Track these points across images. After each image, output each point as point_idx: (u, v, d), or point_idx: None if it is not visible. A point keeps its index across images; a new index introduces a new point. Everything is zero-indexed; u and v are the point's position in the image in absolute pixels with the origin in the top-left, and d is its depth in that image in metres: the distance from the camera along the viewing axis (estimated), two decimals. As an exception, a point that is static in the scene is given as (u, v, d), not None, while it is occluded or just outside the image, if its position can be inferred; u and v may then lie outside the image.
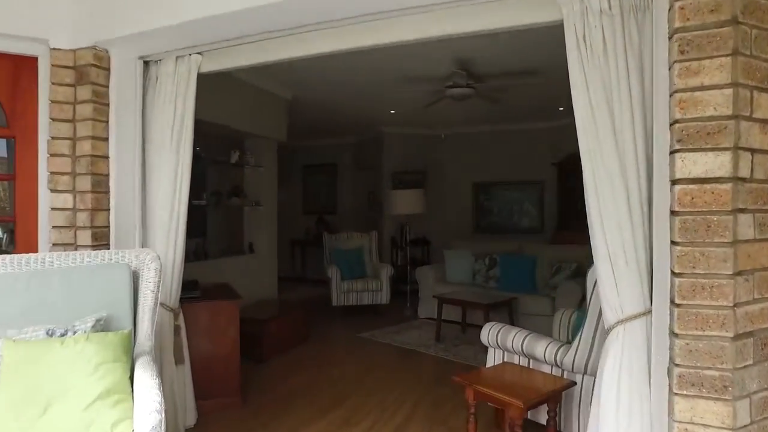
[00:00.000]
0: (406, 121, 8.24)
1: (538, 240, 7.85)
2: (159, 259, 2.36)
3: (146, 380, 1.85)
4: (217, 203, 5.83)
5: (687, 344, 1.66)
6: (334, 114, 7.60)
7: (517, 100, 6.68)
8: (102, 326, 2.03)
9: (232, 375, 3.59)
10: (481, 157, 8.91)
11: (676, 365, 1.67)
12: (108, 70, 2.73)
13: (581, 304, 5.34)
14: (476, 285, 6.48)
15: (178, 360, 2.93)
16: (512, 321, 5.55)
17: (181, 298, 3.08)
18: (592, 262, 2.62)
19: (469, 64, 5.12)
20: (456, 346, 5.30)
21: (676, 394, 1.66)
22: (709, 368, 1.63)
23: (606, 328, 2.13)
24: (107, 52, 2.73)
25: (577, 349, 2.66)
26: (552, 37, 4.52)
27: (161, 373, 2.79)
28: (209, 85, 4.87)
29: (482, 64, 5.14)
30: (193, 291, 3.47)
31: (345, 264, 6.88)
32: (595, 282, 2.62)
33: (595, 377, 2.68)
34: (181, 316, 3.02)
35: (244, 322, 4.22)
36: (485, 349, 5.12)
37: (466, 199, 9.15)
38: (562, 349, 2.75)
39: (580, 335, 2.67)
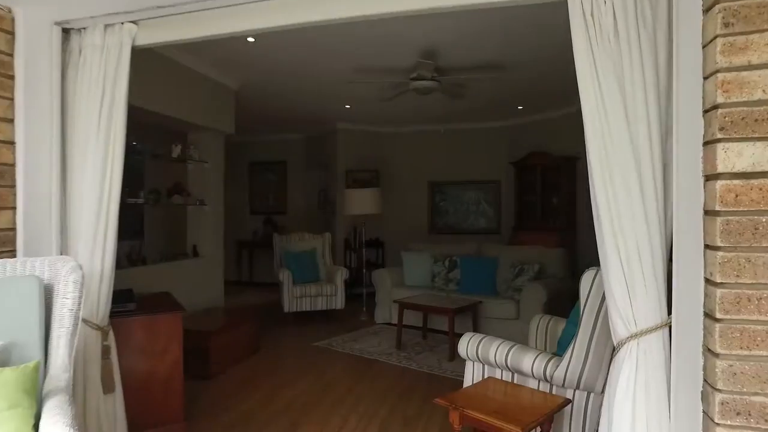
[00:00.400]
0: (360, 117, 7.90)
1: (496, 240, 7.73)
2: (81, 268, 1.90)
3: (56, 430, 1.41)
4: (156, 202, 5.25)
5: (730, 366, 1.41)
6: (284, 108, 7.13)
7: (476, 98, 6.49)
8: (-2, 359, 1.56)
9: (174, 398, 3.11)
10: (437, 156, 8.72)
11: (717, 390, 1.42)
12: (12, 34, 2.21)
13: (547, 307, 5.19)
14: (436, 288, 6.23)
15: (108, 387, 2.44)
16: (476, 326, 5.34)
17: (111, 313, 2.59)
18: (585, 265, 2.38)
19: (432, 57, 4.84)
20: (418, 354, 5.01)
21: (719, 424, 1.42)
22: (756, 394, 1.39)
23: (616, 342, 1.88)
24: (10, 11, 2.20)
25: (569, 363, 2.42)
26: (521, 31, 4.38)
27: (85, 407, 2.31)
28: (148, 69, 4.34)
29: (446, 57, 4.88)
30: (126, 303, 2.97)
31: (297, 267, 6.45)
32: (590, 289, 2.39)
33: (588, 393, 2.45)
34: (111, 335, 2.53)
35: (188, 335, 3.73)
36: (449, 356, 4.91)
37: (421, 199, 8.93)
38: (551, 362, 2.50)
39: (573, 347, 2.42)
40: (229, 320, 4.94)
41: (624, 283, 1.82)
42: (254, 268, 9.37)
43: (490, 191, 8.55)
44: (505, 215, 8.36)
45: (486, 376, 2.84)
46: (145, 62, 4.25)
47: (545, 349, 3.33)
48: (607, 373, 2.41)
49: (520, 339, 5.22)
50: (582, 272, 2.48)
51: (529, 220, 7.67)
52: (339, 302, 6.44)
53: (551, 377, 2.49)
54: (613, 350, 2.40)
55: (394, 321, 6.16)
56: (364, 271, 7.30)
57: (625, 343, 1.83)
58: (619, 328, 1.85)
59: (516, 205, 7.91)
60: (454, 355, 4.82)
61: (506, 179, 8.23)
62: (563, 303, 5.70)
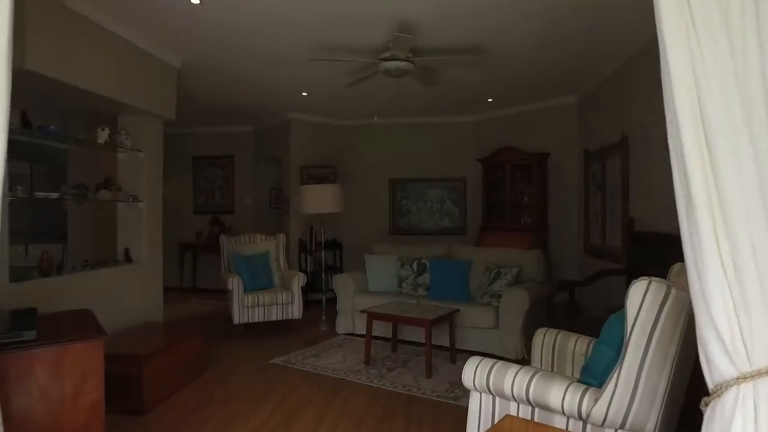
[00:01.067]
0: (317, 107, 7.24)
1: (461, 241, 7.27)
2: None
3: None
4: (82, 198, 4.37)
5: None
6: (232, 93, 6.34)
7: (446, 88, 6.00)
8: None
9: (93, 451, 2.38)
10: (399, 151, 8.21)
11: None
12: None
13: (528, 315, 4.75)
14: (404, 294, 5.69)
15: (-14, 458, 1.71)
16: (453, 336, 4.83)
17: (-2, 346, 1.87)
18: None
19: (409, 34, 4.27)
20: (391, 371, 4.43)
21: None
22: None
23: (713, 384, 1.38)
24: None
25: (612, 397, 1.92)
26: (506, 12, 3.90)
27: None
28: (67, 34, 3.51)
29: (423, 37, 4.33)
30: (23, 330, 2.21)
31: (248, 272, 5.73)
32: (641, 304, 1.90)
33: (634, 434, 1.96)
34: (-6, 379, 1.80)
35: (116, 361, 3.02)
36: (426, 373, 4.35)
37: (381, 198, 8.38)
38: (587, 395, 1.99)
39: (617, 376, 1.92)
40: (169, 337, 4.17)
41: (730, 298, 1.32)
42: (198, 273, 8.51)
43: (455, 189, 8.12)
44: (471, 215, 7.94)
45: (497, 410, 2.30)
46: (64, 26, 3.45)
47: (552, 369, 2.84)
48: (663, 410, 1.93)
49: (500, 350, 4.78)
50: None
51: (498, 219, 7.29)
52: (296, 311, 5.77)
53: (588, 415, 1.98)
54: (669, 382, 1.94)
55: (358, 331, 5.57)
56: (323, 275, 6.65)
57: (732, 385, 1.33)
58: (722, 365, 1.34)
59: (483, 203, 7.51)
60: (431, 371, 4.29)
61: (472, 176, 7.81)
62: (543, 310, 5.30)
